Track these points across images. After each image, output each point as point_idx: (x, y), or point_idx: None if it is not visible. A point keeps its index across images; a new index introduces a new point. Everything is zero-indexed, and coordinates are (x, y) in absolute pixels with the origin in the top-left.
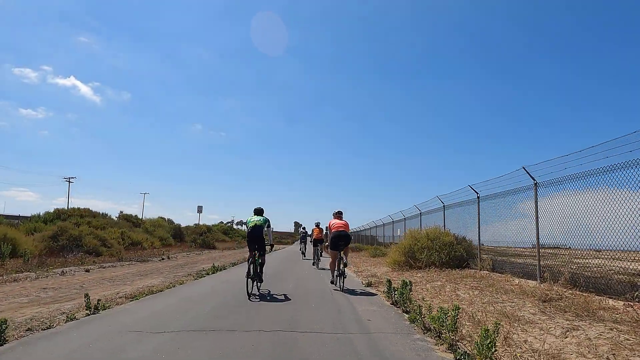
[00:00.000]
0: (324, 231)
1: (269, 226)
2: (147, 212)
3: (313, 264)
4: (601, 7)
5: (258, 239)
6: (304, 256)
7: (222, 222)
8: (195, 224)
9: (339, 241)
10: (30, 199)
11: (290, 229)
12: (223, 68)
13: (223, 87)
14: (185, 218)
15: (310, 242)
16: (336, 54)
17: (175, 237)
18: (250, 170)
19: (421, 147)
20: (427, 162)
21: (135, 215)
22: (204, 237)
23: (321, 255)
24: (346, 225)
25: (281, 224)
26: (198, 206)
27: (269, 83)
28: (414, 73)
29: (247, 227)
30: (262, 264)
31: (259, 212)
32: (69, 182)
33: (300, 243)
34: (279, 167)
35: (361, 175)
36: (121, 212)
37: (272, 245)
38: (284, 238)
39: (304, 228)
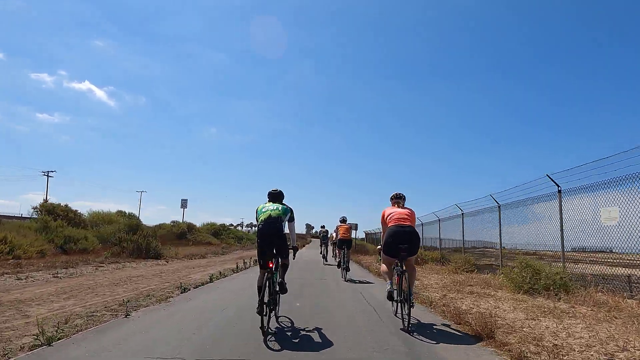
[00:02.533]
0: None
1: (291, 219)
2: (158, 215)
3: (340, 273)
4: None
5: (276, 237)
6: (326, 261)
7: (236, 224)
8: (173, 222)
9: (400, 242)
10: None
11: (302, 230)
12: (237, 70)
13: (237, 90)
14: (197, 219)
15: (333, 243)
16: (348, 55)
17: (122, 238)
18: (264, 172)
19: (436, 149)
20: (442, 164)
21: (66, 205)
22: (146, 240)
23: (349, 261)
24: (412, 215)
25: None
26: (182, 200)
27: (283, 85)
28: (426, 74)
29: (257, 221)
30: (282, 279)
31: (276, 196)
32: (48, 176)
33: (321, 245)
34: (293, 168)
35: (373, 175)
36: (45, 199)
37: (295, 249)
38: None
39: (323, 226)
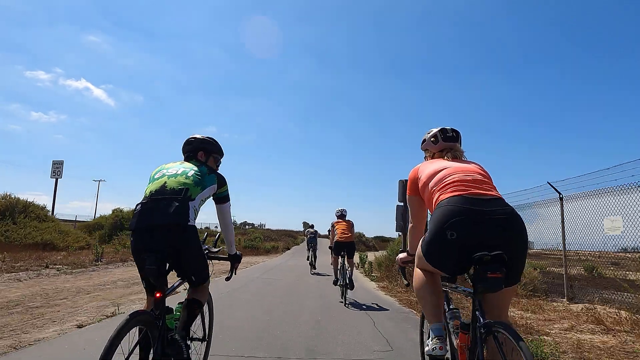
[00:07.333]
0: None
1: (222, 198)
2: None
3: (340, 292)
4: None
5: (169, 232)
6: (314, 269)
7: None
8: (3, 197)
9: (481, 239)
10: (45, 203)
11: (299, 228)
12: (237, 68)
13: (237, 88)
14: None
15: (329, 247)
16: (347, 53)
17: None
18: (262, 171)
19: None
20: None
21: None
22: None
23: (352, 274)
24: (489, 177)
25: (286, 222)
26: (53, 162)
27: (284, 83)
28: (427, 73)
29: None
30: (184, 333)
31: (193, 148)
32: None
33: (308, 250)
34: (293, 166)
35: (377, 176)
36: None
37: (235, 258)
38: (272, 238)
39: (312, 226)
